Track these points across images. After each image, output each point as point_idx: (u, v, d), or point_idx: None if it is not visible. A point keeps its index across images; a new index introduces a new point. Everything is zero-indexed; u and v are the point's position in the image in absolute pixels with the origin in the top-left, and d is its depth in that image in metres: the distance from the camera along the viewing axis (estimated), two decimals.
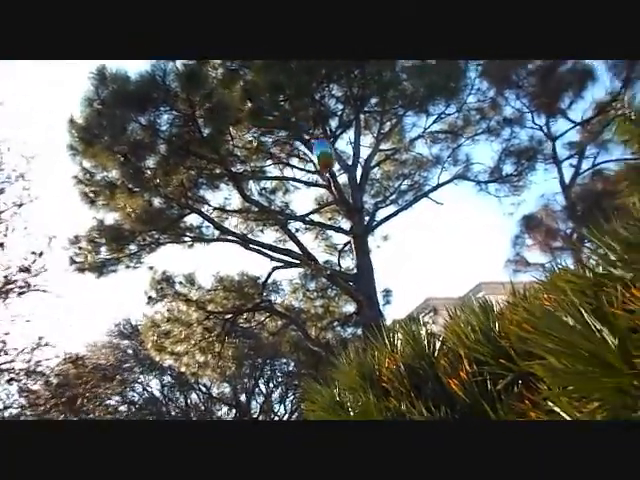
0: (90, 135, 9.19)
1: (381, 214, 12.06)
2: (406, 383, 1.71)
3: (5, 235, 13.02)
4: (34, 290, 13.24)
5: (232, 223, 12.32)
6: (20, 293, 13.17)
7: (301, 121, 11.10)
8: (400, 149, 13.03)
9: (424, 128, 12.18)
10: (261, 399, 20.63)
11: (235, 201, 11.98)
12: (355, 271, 11.02)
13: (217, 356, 12.03)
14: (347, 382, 1.89)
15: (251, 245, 11.13)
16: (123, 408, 19.78)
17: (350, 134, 11.84)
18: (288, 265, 11.33)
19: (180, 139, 9.53)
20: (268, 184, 12.94)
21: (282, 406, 20.59)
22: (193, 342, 11.73)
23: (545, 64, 12.22)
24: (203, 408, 20.77)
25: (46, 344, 13.66)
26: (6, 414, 13.91)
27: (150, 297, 11.69)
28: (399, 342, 1.90)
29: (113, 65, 8.97)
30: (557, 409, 1.08)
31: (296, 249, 11.08)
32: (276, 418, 20.25)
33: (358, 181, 11.52)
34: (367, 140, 12.44)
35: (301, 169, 12.44)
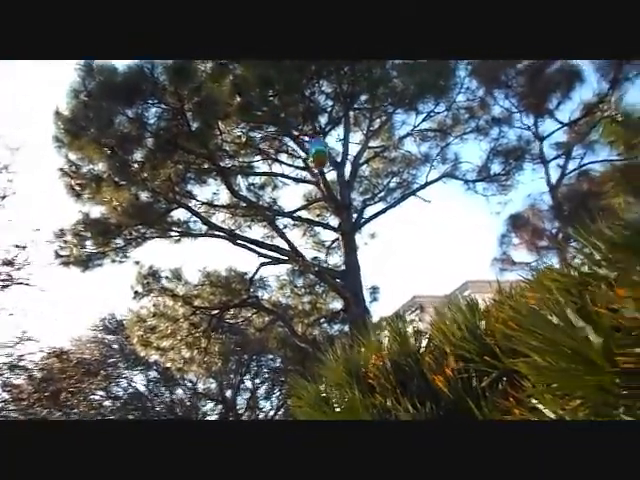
0: (76, 127, 9.06)
1: (369, 211, 12.12)
2: (392, 379, 1.71)
3: None
4: (17, 283, 13.07)
5: (220, 218, 12.29)
6: (3, 286, 13.01)
7: (290, 117, 11.06)
8: (389, 147, 13.05)
9: (413, 126, 12.24)
10: (247, 395, 20.59)
11: (223, 196, 11.94)
12: (343, 268, 11.03)
13: (203, 352, 11.99)
14: (334, 378, 1.90)
15: (239, 241, 11.09)
16: (108, 403, 19.60)
17: (339, 131, 11.84)
18: (276, 261, 11.31)
19: (168, 133, 9.42)
20: (257, 179, 12.90)
21: (268, 402, 20.59)
22: (179, 337, 11.67)
23: (534, 64, 12.31)
24: (189, 404, 20.67)
25: (29, 338, 13.53)
26: None
27: (136, 292, 11.60)
28: (386, 339, 1.91)
29: None
30: (540, 406, 1.10)
31: (284, 245, 11.06)
32: (262, 414, 20.23)
33: (347, 178, 11.52)
34: (356, 137, 12.45)
35: (290, 165, 12.41)
